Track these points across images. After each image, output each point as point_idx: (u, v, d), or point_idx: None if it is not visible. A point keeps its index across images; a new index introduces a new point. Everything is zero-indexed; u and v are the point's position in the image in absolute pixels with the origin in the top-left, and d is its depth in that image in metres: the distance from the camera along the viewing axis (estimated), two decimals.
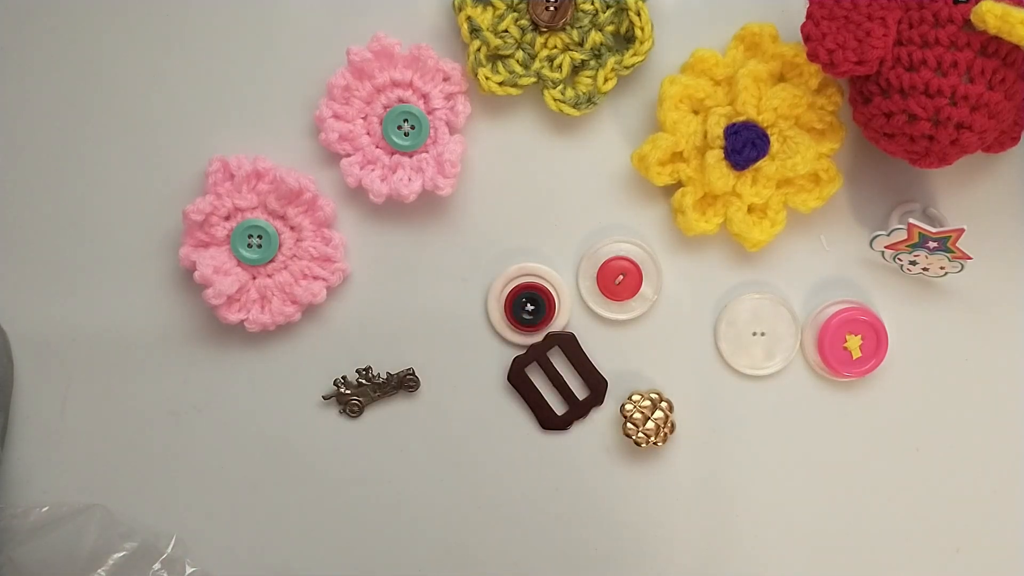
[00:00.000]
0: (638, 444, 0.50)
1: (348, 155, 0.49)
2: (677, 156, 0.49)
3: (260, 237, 0.49)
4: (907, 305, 0.51)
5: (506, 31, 0.48)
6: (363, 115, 0.49)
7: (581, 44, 0.49)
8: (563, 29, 0.49)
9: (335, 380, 0.51)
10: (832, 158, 0.48)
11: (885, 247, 0.48)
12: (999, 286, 0.51)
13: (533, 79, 0.49)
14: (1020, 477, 0.51)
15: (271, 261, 0.49)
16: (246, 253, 0.49)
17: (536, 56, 0.49)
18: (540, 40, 0.49)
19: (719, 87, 0.48)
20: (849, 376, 0.50)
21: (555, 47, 0.49)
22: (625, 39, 0.49)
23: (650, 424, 0.50)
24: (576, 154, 0.50)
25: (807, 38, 0.44)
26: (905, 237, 0.47)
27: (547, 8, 0.48)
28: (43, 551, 0.50)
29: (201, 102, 0.50)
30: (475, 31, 0.48)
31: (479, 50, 0.48)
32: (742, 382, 0.51)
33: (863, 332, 0.50)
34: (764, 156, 0.47)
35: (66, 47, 0.50)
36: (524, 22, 0.49)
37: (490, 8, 0.48)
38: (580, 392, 0.51)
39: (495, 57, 0.49)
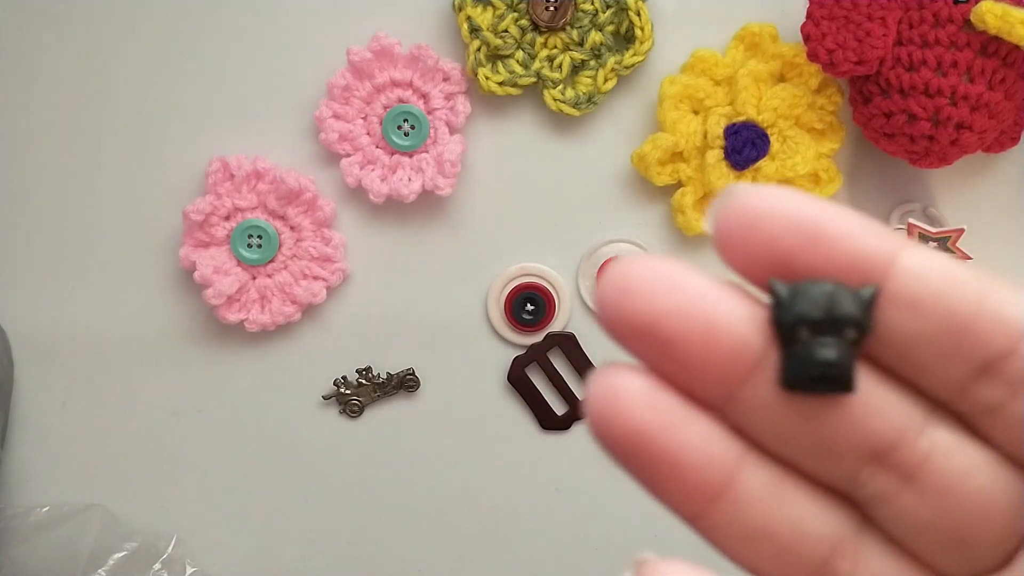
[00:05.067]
0: None
1: (348, 155, 0.49)
2: (677, 156, 0.49)
3: (260, 237, 0.49)
4: None
5: (506, 31, 0.48)
6: (363, 115, 0.49)
7: (581, 44, 0.49)
8: (563, 29, 0.49)
9: (335, 380, 0.51)
10: (832, 158, 0.48)
11: None
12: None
13: (533, 79, 0.49)
14: None
15: (271, 261, 0.49)
16: (246, 253, 0.49)
17: (536, 56, 0.49)
18: (540, 40, 0.49)
19: (719, 87, 0.48)
20: None
21: (555, 47, 0.49)
22: (625, 39, 0.49)
23: None
24: (576, 154, 0.51)
25: (807, 38, 0.44)
26: (905, 237, 0.47)
27: (547, 8, 0.48)
28: (43, 551, 0.50)
29: (201, 102, 0.50)
30: (475, 31, 0.48)
31: (479, 50, 0.48)
32: None
33: None
34: (764, 156, 0.47)
35: (65, 47, 0.50)
36: (524, 22, 0.49)
37: (490, 8, 0.48)
38: (580, 392, 0.51)
39: (495, 57, 0.49)
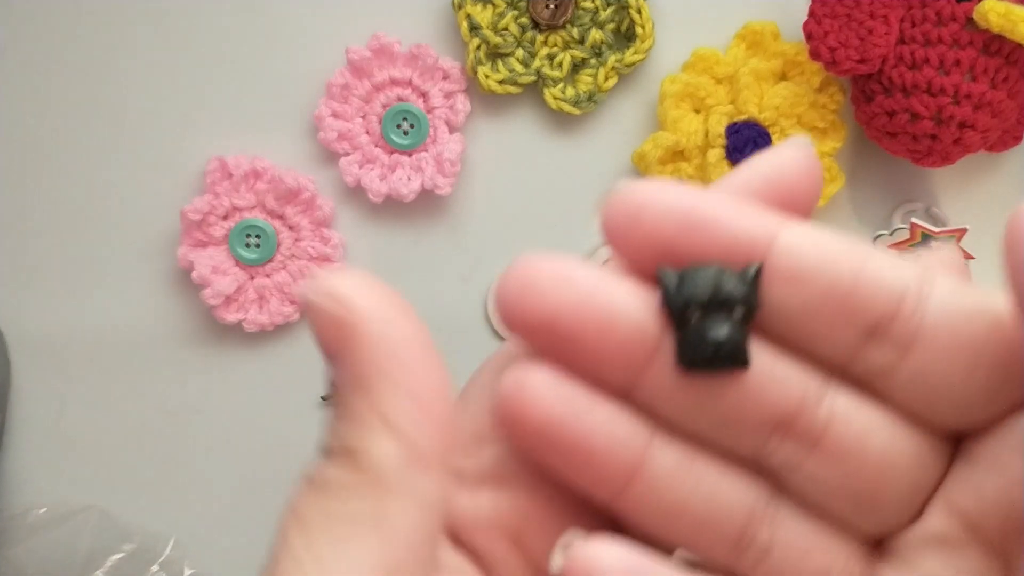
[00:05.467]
0: None
1: (347, 154, 0.49)
2: (678, 155, 0.48)
3: (258, 237, 0.49)
4: None
5: (506, 29, 0.48)
6: (362, 114, 0.49)
7: (581, 42, 0.48)
8: (563, 27, 0.48)
9: None
10: (834, 157, 0.48)
11: (888, 247, 0.48)
12: (1000, 285, 0.51)
13: (533, 77, 0.48)
14: None
15: (269, 261, 0.49)
16: (244, 253, 0.48)
17: (536, 54, 0.49)
18: (540, 38, 0.49)
19: (720, 85, 0.48)
20: None
21: (555, 45, 0.49)
22: (626, 37, 0.49)
23: None
24: (576, 153, 0.50)
25: (809, 36, 0.44)
26: (908, 237, 0.47)
27: (547, 6, 0.48)
28: (41, 552, 0.49)
29: (199, 101, 0.50)
30: (475, 29, 0.48)
31: (479, 48, 0.48)
32: None
33: None
34: None
35: (63, 46, 0.50)
36: (524, 20, 0.48)
37: (490, 6, 0.48)
38: None
39: (495, 55, 0.48)
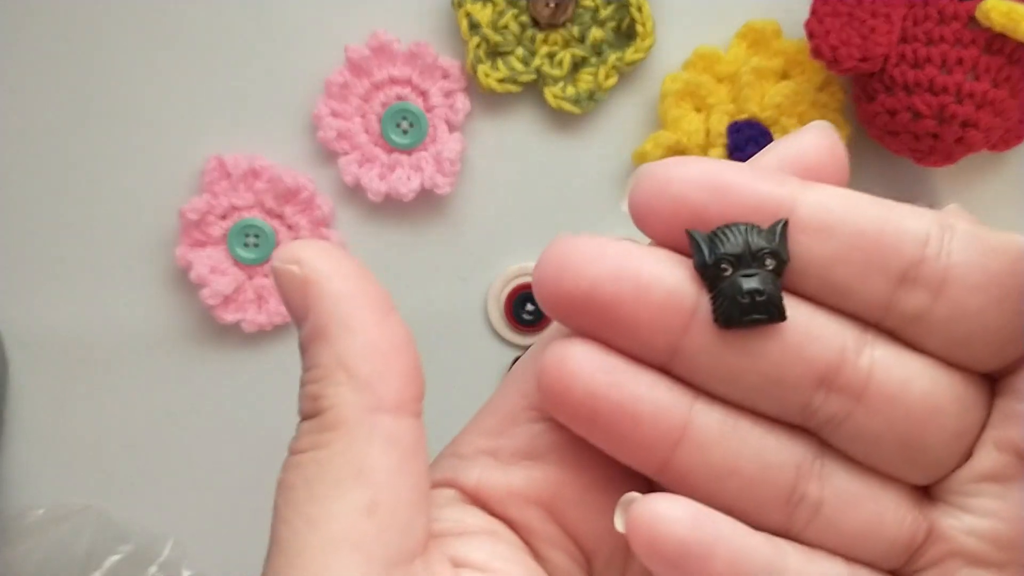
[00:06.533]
0: None
1: (346, 153, 0.49)
2: (679, 154, 0.48)
3: (257, 236, 0.48)
4: None
5: (506, 27, 0.48)
6: (361, 113, 0.49)
7: (582, 41, 0.48)
8: (564, 25, 0.48)
9: None
10: None
11: None
12: None
13: (533, 76, 0.48)
14: None
15: (268, 261, 0.49)
16: (243, 252, 0.48)
17: (536, 53, 0.48)
18: (540, 37, 0.48)
19: (721, 84, 0.48)
20: None
21: (556, 44, 0.49)
22: (626, 36, 0.48)
23: None
24: (577, 152, 0.50)
25: (811, 35, 0.44)
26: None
27: (547, 4, 0.48)
28: (38, 553, 0.49)
29: (198, 100, 0.50)
30: (474, 28, 0.47)
31: (479, 47, 0.48)
32: None
33: None
34: None
35: (61, 45, 0.50)
36: (524, 18, 0.48)
37: (490, 4, 0.48)
38: None
39: (495, 54, 0.48)
